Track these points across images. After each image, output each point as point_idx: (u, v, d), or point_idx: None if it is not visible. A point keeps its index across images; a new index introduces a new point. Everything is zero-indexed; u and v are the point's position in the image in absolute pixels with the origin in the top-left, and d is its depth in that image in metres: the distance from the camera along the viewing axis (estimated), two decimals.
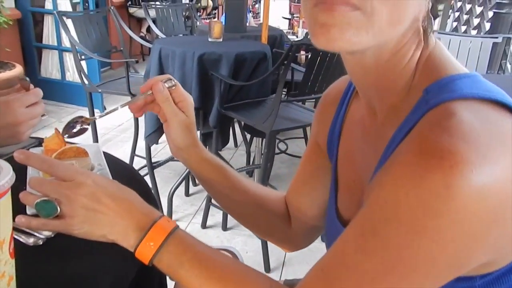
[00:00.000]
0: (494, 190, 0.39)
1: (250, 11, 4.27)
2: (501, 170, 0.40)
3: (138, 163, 2.68)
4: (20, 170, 0.49)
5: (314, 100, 2.58)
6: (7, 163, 0.45)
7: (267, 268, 2.01)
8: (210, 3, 7.39)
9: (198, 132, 2.43)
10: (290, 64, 1.91)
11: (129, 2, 5.70)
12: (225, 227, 2.30)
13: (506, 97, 0.46)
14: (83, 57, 2.66)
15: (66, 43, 3.79)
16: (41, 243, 0.59)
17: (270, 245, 2.10)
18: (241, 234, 2.26)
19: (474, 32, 4.96)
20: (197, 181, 2.67)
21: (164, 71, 2.15)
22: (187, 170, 2.45)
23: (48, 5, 3.80)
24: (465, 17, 4.86)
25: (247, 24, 3.15)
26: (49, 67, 4.03)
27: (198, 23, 4.12)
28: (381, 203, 0.43)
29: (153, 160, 2.61)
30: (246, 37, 2.72)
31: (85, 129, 0.72)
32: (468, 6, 4.85)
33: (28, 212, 0.60)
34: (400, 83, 0.52)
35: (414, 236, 0.41)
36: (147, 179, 2.50)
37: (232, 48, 2.19)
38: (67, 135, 0.71)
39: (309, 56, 2.13)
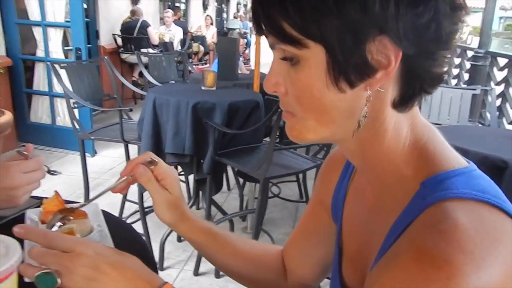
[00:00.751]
0: None
1: (241, 56, 4.39)
2: (494, 277, 0.42)
3: (130, 208, 2.65)
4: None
5: (305, 147, 2.62)
6: (16, 241, 0.45)
7: None
8: (202, 48, 7.59)
9: (192, 177, 2.44)
10: None
11: (121, 49, 5.83)
12: (218, 274, 2.25)
13: (499, 197, 0.48)
14: (75, 104, 2.69)
15: (57, 88, 3.83)
16: None
17: None
18: (234, 282, 2.21)
19: (454, 82, 5.17)
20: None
21: (159, 119, 2.17)
22: None
23: (40, 53, 3.86)
24: (454, 71, 5.09)
25: (239, 71, 3.23)
26: (39, 112, 4.04)
27: (190, 68, 4.21)
28: None
29: (145, 205, 2.59)
30: (239, 85, 2.79)
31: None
32: (457, 60, 5.08)
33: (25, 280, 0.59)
34: (392, 169, 0.54)
35: None
36: (139, 224, 2.46)
37: (225, 97, 2.24)
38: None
39: None
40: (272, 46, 0.51)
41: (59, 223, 0.70)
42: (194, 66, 4.77)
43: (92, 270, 0.55)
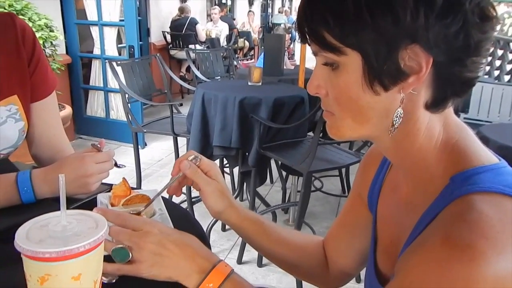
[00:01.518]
0: (510, 282, 0.44)
1: (286, 51, 4.42)
2: None
3: (177, 198, 2.79)
4: None
5: (349, 141, 2.64)
6: (103, 217, 0.54)
7: None
8: (247, 44, 7.68)
9: (237, 169, 2.53)
10: None
11: (170, 45, 6.03)
12: (260, 264, 2.33)
13: None
14: (129, 99, 2.85)
15: (111, 84, 4.05)
16: (114, 281, 0.68)
17: (305, 283, 2.11)
18: (276, 271, 2.29)
19: (507, 78, 4.92)
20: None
21: (207, 114, 2.28)
22: None
23: (96, 51, 4.10)
24: (497, 62, 4.85)
25: (284, 67, 3.27)
26: (95, 106, 4.29)
27: (235, 63, 4.30)
28: (407, 283, 0.49)
29: (192, 195, 2.71)
30: (284, 81, 2.84)
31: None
32: (500, 52, 4.84)
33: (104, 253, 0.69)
34: (425, 166, 0.58)
35: None
36: None
37: (271, 92, 2.30)
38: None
39: None
40: (315, 53, 0.56)
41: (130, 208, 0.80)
42: (240, 62, 4.86)
43: (157, 246, 0.63)
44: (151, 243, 0.63)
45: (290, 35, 6.87)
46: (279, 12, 13.84)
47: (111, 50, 4.05)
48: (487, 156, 0.56)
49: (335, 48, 0.53)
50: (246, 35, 7.98)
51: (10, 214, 0.83)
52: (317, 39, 0.54)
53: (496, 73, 4.98)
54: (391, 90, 0.53)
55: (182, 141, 2.86)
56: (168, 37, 6.05)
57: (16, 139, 1.07)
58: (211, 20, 6.95)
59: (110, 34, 4.01)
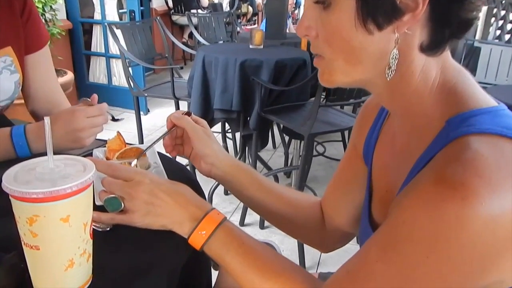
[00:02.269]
0: (504, 221, 0.43)
1: (290, 17, 4.33)
2: (509, 204, 0.43)
3: (180, 162, 2.81)
4: None
5: (352, 104, 2.61)
6: (91, 161, 0.54)
7: (303, 266, 2.06)
8: (250, 9, 7.51)
9: (238, 134, 2.53)
10: None
11: (172, 10, 5.91)
12: (262, 226, 2.36)
13: None
14: (130, 64, 2.82)
15: (113, 50, 4.00)
16: (108, 229, 0.68)
17: (306, 245, 2.15)
18: (278, 232, 2.30)
19: (507, 36, 4.79)
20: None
21: (208, 77, 2.25)
22: None
23: (97, 16, 4.03)
24: (508, 26, 4.71)
25: (287, 31, 3.21)
26: (97, 72, 4.26)
27: (238, 29, 4.23)
28: (400, 222, 0.49)
29: None
30: (286, 44, 2.79)
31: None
32: (511, 15, 4.69)
33: (96, 203, 0.69)
34: (421, 111, 0.56)
35: (426, 256, 0.46)
36: None
37: (272, 55, 2.26)
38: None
39: None
40: None
41: (123, 160, 0.80)
42: (242, 27, 4.77)
43: (149, 195, 0.64)
44: (142, 192, 0.64)
45: (294, 0, 6.71)
46: None
47: (112, 15, 3.99)
48: (486, 99, 0.54)
49: None
50: (250, 0, 7.80)
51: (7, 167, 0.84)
52: None
53: (507, 37, 4.85)
54: (385, 29, 0.50)
55: (184, 105, 2.84)
56: (170, 3, 5.92)
57: (12, 91, 1.08)
58: None
59: None
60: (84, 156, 0.92)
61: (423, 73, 0.55)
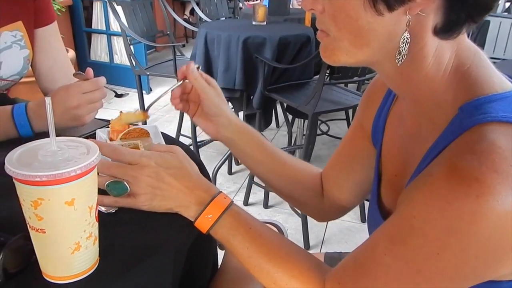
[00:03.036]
0: None
1: None
2: None
3: (183, 142, 2.80)
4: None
5: (356, 82, 2.58)
6: (94, 144, 0.53)
7: (307, 245, 2.08)
8: None
9: (241, 114, 2.51)
10: None
11: None
12: (266, 205, 2.37)
13: None
14: (131, 41, 2.78)
15: (114, 27, 3.94)
16: (113, 211, 0.68)
17: (310, 223, 2.16)
18: (282, 212, 2.33)
19: None
20: (239, 161, 2.76)
21: (210, 54, 2.22)
22: None
23: None
24: None
25: (290, 6, 3.14)
26: (98, 50, 4.21)
27: (240, 4, 4.15)
28: (411, 216, 0.47)
29: (198, 139, 2.72)
30: (290, 20, 2.74)
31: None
32: None
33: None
34: (431, 95, 0.54)
35: (437, 252, 0.45)
36: None
37: (275, 31, 2.22)
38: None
39: None
40: None
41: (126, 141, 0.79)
42: (245, 2, 4.68)
43: (155, 179, 0.63)
44: (148, 176, 0.62)
45: None
46: None
47: None
48: (501, 83, 0.51)
49: None
50: None
51: (10, 147, 0.83)
52: None
53: None
54: (396, 10, 0.47)
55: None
56: None
57: (21, 67, 1.07)
58: None
59: None
60: (87, 137, 0.92)
61: (435, 57, 0.52)
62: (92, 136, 0.91)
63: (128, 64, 3.62)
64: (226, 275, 0.77)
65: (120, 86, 4.11)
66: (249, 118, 2.39)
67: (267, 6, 2.66)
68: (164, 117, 3.62)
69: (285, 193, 0.85)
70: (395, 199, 0.65)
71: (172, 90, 0.78)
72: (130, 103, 3.80)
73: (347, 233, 2.16)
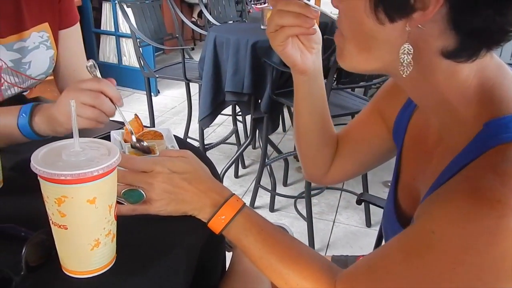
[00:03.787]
0: None
1: None
2: None
3: (194, 144, 2.83)
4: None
5: (363, 87, 2.59)
6: (115, 146, 0.55)
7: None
8: None
9: (249, 117, 2.53)
10: None
11: None
12: (272, 209, 2.39)
13: None
14: (141, 43, 2.81)
15: (123, 29, 3.98)
16: None
17: (316, 227, 2.17)
18: (288, 215, 2.35)
19: None
20: (246, 164, 2.78)
21: (219, 58, 2.24)
22: (237, 153, 2.57)
23: None
24: None
25: None
26: (107, 52, 4.26)
27: (248, 7, 4.18)
28: (429, 231, 0.48)
29: (205, 142, 2.74)
30: None
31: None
32: None
33: None
34: (450, 110, 0.54)
35: (453, 267, 0.46)
36: None
37: None
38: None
39: None
40: None
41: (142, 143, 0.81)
42: (253, 6, 4.71)
43: (170, 185, 0.64)
44: (163, 182, 0.64)
45: None
46: None
47: None
48: None
49: None
50: None
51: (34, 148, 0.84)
52: None
53: None
54: (396, 22, 0.48)
55: (194, 88, 2.84)
56: None
57: (47, 66, 1.11)
58: None
59: None
60: (103, 138, 0.94)
61: (445, 74, 0.52)
62: (106, 137, 0.93)
63: (136, 66, 3.66)
64: (234, 277, 0.78)
65: (128, 87, 4.15)
66: (256, 122, 2.41)
67: None
68: (172, 119, 3.65)
69: (311, 144, 0.82)
70: (410, 202, 0.66)
71: None
72: (138, 104, 3.84)
73: (352, 237, 2.17)
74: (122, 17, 2.95)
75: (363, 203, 1.72)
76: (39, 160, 0.51)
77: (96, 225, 0.53)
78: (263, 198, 2.45)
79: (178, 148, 0.89)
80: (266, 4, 5.65)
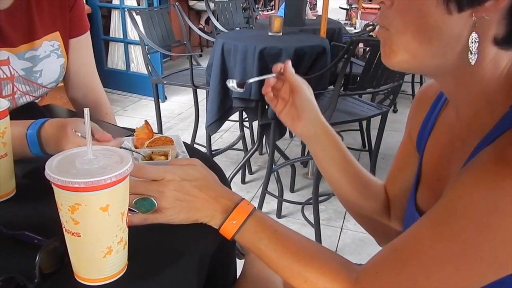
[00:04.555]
0: None
1: (308, 2, 4.28)
2: None
3: (202, 151, 2.83)
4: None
5: (371, 93, 2.59)
6: (127, 153, 0.55)
7: None
8: None
9: (256, 123, 2.54)
10: (350, 59, 1.94)
11: None
12: (279, 215, 2.38)
13: None
14: (149, 50, 2.84)
15: (131, 36, 4.02)
16: None
17: (323, 234, 2.17)
18: (295, 222, 2.34)
19: None
20: (253, 170, 2.79)
21: (226, 65, 2.25)
22: (245, 158, 2.57)
23: (115, 0, 4.05)
24: None
25: (306, 17, 3.17)
26: (115, 58, 4.30)
27: (256, 14, 4.20)
28: (456, 197, 0.49)
29: (213, 148, 2.75)
30: (305, 31, 2.77)
31: None
32: None
33: None
34: (483, 97, 0.56)
35: (480, 232, 0.47)
36: None
37: (291, 42, 2.25)
38: None
39: (369, 51, 2.15)
40: None
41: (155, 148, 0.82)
42: (260, 12, 4.73)
43: (181, 193, 0.65)
44: (174, 190, 0.64)
45: None
46: None
47: (130, 0, 4.00)
48: None
49: None
50: None
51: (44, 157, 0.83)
52: None
53: None
54: (464, 12, 0.49)
55: (201, 94, 2.86)
56: None
57: (58, 75, 1.13)
58: None
59: None
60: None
61: (492, 62, 0.54)
62: None
63: (144, 72, 3.68)
64: (246, 283, 0.78)
65: (135, 94, 4.18)
66: (263, 128, 2.41)
67: (283, 16, 2.70)
68: (179, 125, 3.67)
69: (353, 202, 0.83)
70: (433, 202, 0.66)
71: (266, 83, 0.78)
72: (146, 110, 3.86)
73: (360, 244, 2.16)
74: (130, 24, 2.98)
75: None
76: (53, 168, 0.51)
77: (108, 233, 0.54)
78: (270, 204, 2.45)
79: (188, 155, 0.89)
80: (273, 11, 5.69)
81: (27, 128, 0.80)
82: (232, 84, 0.81)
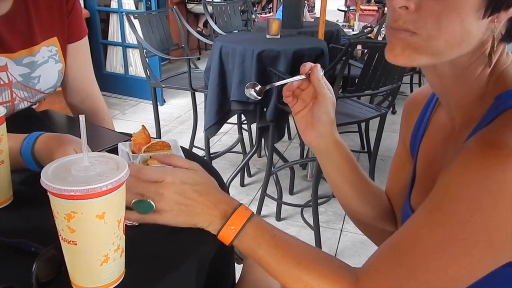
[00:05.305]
0: None
1: (306, 5, 4.29)
2: None
3: (197, 153, 2.83)
4: None
5: (369, 95, 2.59)
6: (124, 160, 0.55)
7: None
8: None
9: (255, 125, 2.54)
10: (348, 61, 1.94)
11: None
12: (278, 217, 2.38)
13: None
14: (147, 54, 2.83)
15: (129, 39, 4.02)
16: (137, 224, 0.70)
17: (323, 236, 2.16)
18: (295, 224, 2.34)
19: None
20: (252, 172, 2.79)
21: (225, 67, 2.25)
22: (243, 161, 2.57)
23: (114, 4, 4.04)
24: None
25: (303, 19, 3.18)
26: (114, 62, 4.30)
27: (254, 17, 4.20)
28: (446, 184, 0.51)
29: (211, 151, 2.75)
30: (303, 33, 2.77)
31: None
32: None
33: None
34: (474, 92, 0.58)
35: (471, 215, 0.48)
36: None
37: (289, 45, 2.25)
38: None
39: (367, 53, 2.15)
40: None
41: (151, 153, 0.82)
42: (258, 15, 4.74)
43: (181, 196, 0.64)
44: (174, 193, 0.64)
45: None
46: None
47: (128, 3, 4.00)
48: None
49: None
50: None
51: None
52: None
53: None
54: (491, 16, 0.51)
55: (200, 98, 2.85)
56: None
57: (56, 80, 1.12)
58: None
59: None
60: (110, 151, 0.94)
61: (499, 56, 0.57)
62: (114, 149, 0.94)
63: (142, 76, 3.68)
64: None
65: (134, 97, 4.17)
66: (262, 131, 2.41)
67: (281, 19, 2.70)
68: (177, 128, 3.66)
69: (358, 210, 0.82)
70: None
71: (292, 82, 0.75)
72: (144, 114, 3.86)
73: (360, 246, 2.16)
74: (129, 28, 2.98)
75: None
76: (49, 176, 0.51)
77: (105, 240, 0.53)
78: (270, 207, 2.45)
79: (185, 158, 0.89)
80: (271, 14, 5.70)
81: (21, 145, 0.79)
82: (251, 92, 0.75)
